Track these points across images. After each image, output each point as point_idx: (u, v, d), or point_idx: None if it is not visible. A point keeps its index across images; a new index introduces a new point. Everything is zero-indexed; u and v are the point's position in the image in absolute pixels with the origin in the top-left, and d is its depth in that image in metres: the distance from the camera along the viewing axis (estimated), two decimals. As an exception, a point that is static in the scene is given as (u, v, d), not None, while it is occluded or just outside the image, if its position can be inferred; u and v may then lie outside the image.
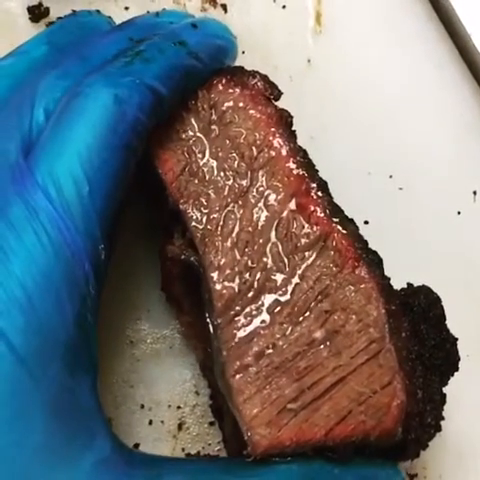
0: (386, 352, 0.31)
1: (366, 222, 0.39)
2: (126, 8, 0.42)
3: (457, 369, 0.33)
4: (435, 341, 0.32)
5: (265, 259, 0.32)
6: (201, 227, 0.32)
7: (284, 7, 0.43)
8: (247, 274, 0.32)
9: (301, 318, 0.31)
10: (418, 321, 0.32)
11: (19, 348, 0.27)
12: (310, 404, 0.30)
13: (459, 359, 0.33)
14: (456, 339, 0.33)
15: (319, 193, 0.32)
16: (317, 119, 0.42)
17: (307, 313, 0.31)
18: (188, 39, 0.33)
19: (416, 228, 0.41)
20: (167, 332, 0.39)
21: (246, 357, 0.31)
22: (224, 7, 0.42)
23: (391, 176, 0.42)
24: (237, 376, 0.31)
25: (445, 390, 0.33)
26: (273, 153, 0.33)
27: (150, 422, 0.38)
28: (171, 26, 0.35)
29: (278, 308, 0.31)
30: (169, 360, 0.38)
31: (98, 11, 0.38)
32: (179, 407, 0.38)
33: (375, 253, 0.32)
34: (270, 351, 0.31)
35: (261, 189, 0.32)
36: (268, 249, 0.32)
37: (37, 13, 0.41)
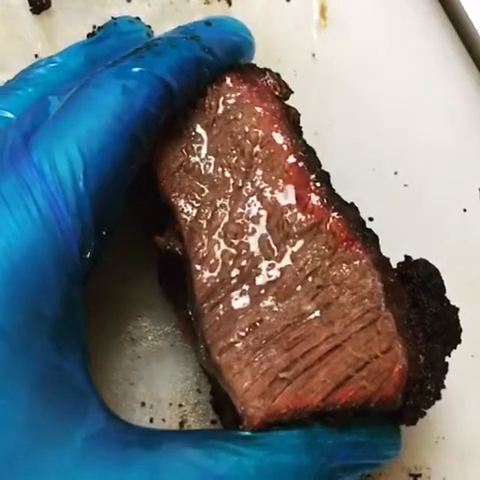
0: (384, 319, 0.31)
1: (371, 219, 0.39)
2: (128, 0, 0.41)
3: (459, 341, 0.33)
4: (436, 310, 0.32)
5: (253, 248, 0.32)
6: (190, 220, 0.32)
7: (288, 0, 0.43)
8: (231, 263, 0.32)
9: (290, 294, 0.31)
10: (418, 291, 0.32)
11: (2, 322, 0.27)
12: (304, 372, 0.30)
13: (461, 330, 0.33)
14: (457, 309, 0.33)
15: (317, 184, 0.32)
16: (321, 114, 0.41)
17: (297, 288, 0.31)
18: (201, 34, 0.33)
19: (421, 225, 0.41)
20: (168, 329, 0.39)
21: (230, 336, 0.31)
22: (228, 0, 0.42)
23: (396, 173, 0.42)
24: (223, 354, 0.31)
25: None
26: (273, 149, 0.33)
27: (151, 420, 0.37)
28: (185, 25, 0.35)
29: (263, 290, 0.31)
30: (170, 357, 0.38)
31: (138, 18, 0.38)
32: (180, 405, 0.38)
33: (370, 231, 0.32)
34: (257, 326, 0.31)
35: (257, 183, 0.32)
36: (257, 239, 0.32)
37: (38, 5, 0.41)
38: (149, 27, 0.38)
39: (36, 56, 0.40)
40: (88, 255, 0.30)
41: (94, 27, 0.38)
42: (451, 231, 0.41)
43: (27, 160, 0.29)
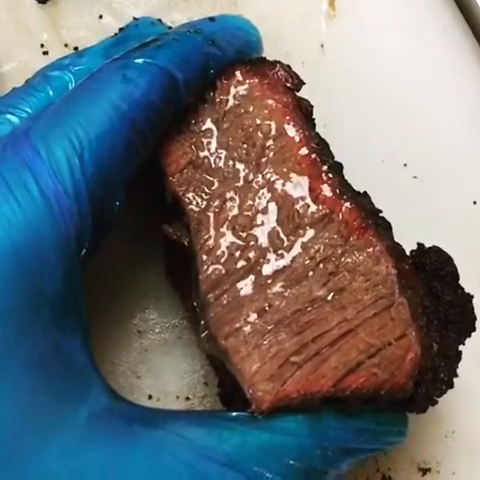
0: (398, 305, 0.31)
1: (379, 211, 0.39)
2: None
3: (474, 329, 0.33)
4: (450, 297, 0.32)
5: (261, 240, 0.32)
6: (198, 212, 0.32)
7: (297, -10, 0.42)
8: (238, 254, 0.31)
9: (300, 280, 0.31)
10: (431, 279, 0.32)
11: (2, 301, 0.27)
12: (316, 356, 0.30)
13: (475, 318, 0.33)
14: (472, 297, 0.33)
15: (330, 175, 0.32)
16: (330, 106, 0.41)
17: (308, 275, 0.31)
18: (204, 28, 0.33)
19: (431, 218, 0.41)
20: (176, 322, 0.38)
21: (236, 322, 0.31)
22: (236, -10, 0.42)
23: (405, 164, 0.41)
24: (230, 338, 0.31)
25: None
26: (285, 141, 0.33)
27: (158, 413, 0.37)
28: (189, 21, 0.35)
29: (272, 278, 0.31)
30: (178, 350, 0.38)
31: (160, 20, 0.37)
32: (188, 398, 0.38)
33: (383, 219, 0.32)
34: (265, 310, 0.31)
35: (268, 175, 0.32)
36: (266, 230, 0.32)
37: (44, -6, 0.40)
38: (170, 28, 0.38)
39: (42, 46, 0.40)
40: (85, 241, 0.30)
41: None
42: (461, 224, 0.41)
43: (27, 144, 0.29)
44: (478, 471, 0.39)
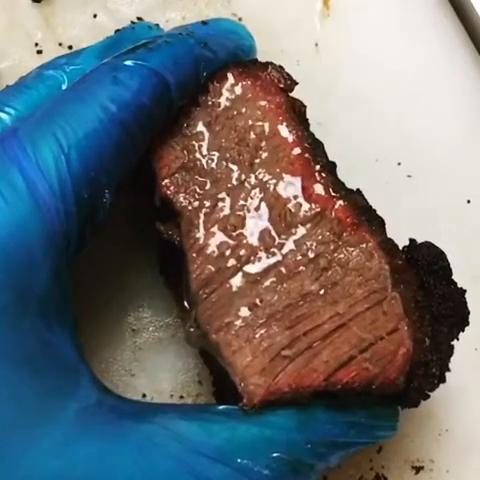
0: (391, 299, 0.31)
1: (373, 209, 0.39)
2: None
3: (467, 323, 0.33)
4: (443, 292, 0.32)
5: (253, 239, 0.32)
6: (189, 212, 0.32)
7: (291, -11, 0.42)
8: (229, 252, 0.32)
9: (292, 276, 0.31)
10: (424, 274, 0.32)
11: None
12: (307, 350, 0.30)
13: (469, 312, 0.33)
14: (464, 291, 0.33)
15: (323, 174, 0.32)
16: (324, 105, 0.41)
17: (300, 271, 0.31)
18: (197, 31, 0.33)
19: (425, 217, 0.41)
20: (170, 320, 0.38)
21: (227, 317, 0.31)
22: (230, -11, 0.42)
23: (399, 163, 0.41)
24: (221, 332, 0.31)
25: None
26: (279, 141, 0.33)
27: (152, 412, 0.37)
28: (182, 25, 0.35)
29: (263, 274, 0.31)
30: (172, 349, 0.38)
31: (157, 25, 0.37)
32: (182, 397, 0.38)
33: (377, 215, 0.32)
34: (257, 305, 0.31)
35: (261, 175, 0.32)
36: (258, 230, 0.32)
37: (39, -7, 0.40)
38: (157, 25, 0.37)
39: (36, 44, 0.40)
40: (72, 238, 0.30)
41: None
42: (455, 223, 0.41)
43: (16, 142, 0.30)
44: (471, 469, 0.39)
